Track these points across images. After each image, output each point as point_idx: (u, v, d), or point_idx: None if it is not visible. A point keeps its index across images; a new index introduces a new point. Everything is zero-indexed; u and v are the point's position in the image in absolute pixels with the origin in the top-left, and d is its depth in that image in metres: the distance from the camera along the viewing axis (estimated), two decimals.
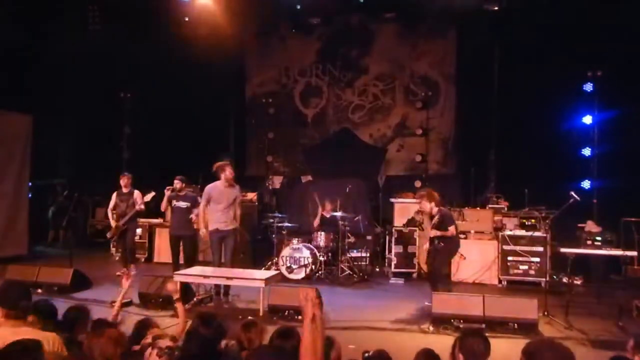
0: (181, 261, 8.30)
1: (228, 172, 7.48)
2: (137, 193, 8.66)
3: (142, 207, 8.60)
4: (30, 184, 10.98)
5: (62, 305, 3.86)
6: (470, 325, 5.71)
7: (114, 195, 8.80)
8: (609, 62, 9.41)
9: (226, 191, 7.45)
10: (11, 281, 3.30)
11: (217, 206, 7.40)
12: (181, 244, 8.18)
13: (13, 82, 10.28)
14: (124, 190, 8.72)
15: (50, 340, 2.90)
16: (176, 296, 4.56)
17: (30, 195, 11.00)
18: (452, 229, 6.88)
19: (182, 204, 8.10)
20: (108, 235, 8.91)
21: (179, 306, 4.43)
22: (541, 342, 2.69)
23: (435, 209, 7.03)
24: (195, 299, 6.81)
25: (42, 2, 10.72)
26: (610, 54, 9.25)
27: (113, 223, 8.63)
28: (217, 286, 7.22)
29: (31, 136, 10.66)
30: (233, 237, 7.48)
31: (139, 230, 10.47)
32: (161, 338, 3.05)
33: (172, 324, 4.99)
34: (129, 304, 6.66)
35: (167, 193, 8.14)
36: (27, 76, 10.71)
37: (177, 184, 8.17)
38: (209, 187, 7.53)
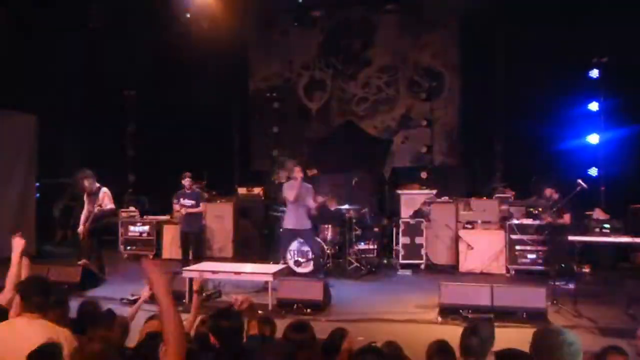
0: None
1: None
2: (103, 192, 8.06)
3: (109, 207, 8.10)
4: (37, 183, 11.03)
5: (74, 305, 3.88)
6: (478, 316, 5.70)
7: (85, 197, 8.26)
8: (615, 48, 9.33)
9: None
10: (35, 276, 3.33)
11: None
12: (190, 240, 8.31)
13: (16, 82, 10.30)
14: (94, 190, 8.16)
15: (63, 336, 2.92)
16: (196, 288, 4.55)
17: (37, 195, 11.05)
18: (567, 216, 7.48)
19: (187, 202, 8.28)
20: (80, 238, 8.19)
21: (195, 300, 4.42)
22: (549, 330, 2.69)
23: (555, 196, 7.69)
24: (203, 295, 6.82)
25: (43, 1, 10.72)
26: (615, 40, 9.17)
27: (81, 227, 8.10)
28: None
29: (36, 136, 10.70)
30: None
31: (145, 228, 10.53)
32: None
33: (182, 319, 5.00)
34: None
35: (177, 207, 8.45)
36: (31, 76, 10.72)
37: (187, 182, 8.34)
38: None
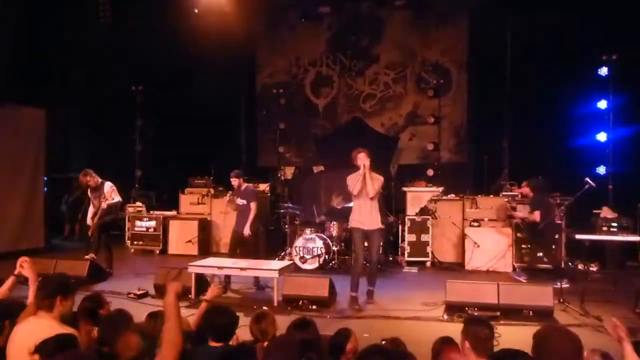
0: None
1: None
2: (106, 186, 8.03)
3: (116, 200, 8.06)
4: (45, 177, 11.10)
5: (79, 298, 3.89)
6: (484, 313, 5.68)
7: (89, 193, 8.23)
8: (625, 46, 9.25)
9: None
10: (50, 277, 3.37)
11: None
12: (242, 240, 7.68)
13: (26, 76, 10.37)
14: (93, 186, 8.13)
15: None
16: (209, 298, 4.54)
17: (45, 189, 11.12)
18: (536, 214, 7.61)
19: (241, 201, 7.66)
20: (90, 233, 8.17)
21: (204, 307, 4.40)
22: (551, 329, 2.70)
23: (530, 194, 7.86)
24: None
25: None
26: (625, 37, 9.09)
27: (89, 220, 8.13)
28: (255, 278, 7.25)
29: (45, 130, 10.76)
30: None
31: (151, 223, 10.57)
32: None
33: (187, 315, 5.02)
34: (145, 295, 6.74)
35: (228, 198, 7.76)
36: (40, 70, 10.79)
37: (235, 181, 7.65)
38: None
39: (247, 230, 7.46)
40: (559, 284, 7.02)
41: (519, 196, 9.42)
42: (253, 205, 7.54)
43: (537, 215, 7.70)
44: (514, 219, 8.68)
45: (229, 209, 7.97)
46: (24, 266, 3.65)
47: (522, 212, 8.18)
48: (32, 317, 3.09)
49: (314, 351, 2.91)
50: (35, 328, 2.92)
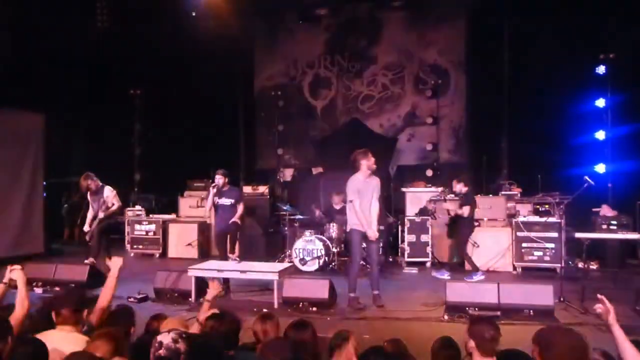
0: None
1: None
2: (107, 190, 8.04)
3: (116, 205, 8.07)
4: (44, 182, 11.08)
5: None
6: (484, 313, 5.67)
7: (89, 197, 8.21)
8: (622, 44, 9.27)
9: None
10: (68, 289, 3.33)
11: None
12: (228, 238, 7.64)
13: (24, 81, 10.35)
14: (93, 189, 8.13)
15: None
16: (210, 297, 4.49)
17: (45, 194, 11.11)
18: (465, 209, 7.76)
19: (226, 201, 7.53)
20: (87, 238, 8.21)
21: (205, 307, 4.36)
22: (553, 330, 2.68)
23: (464, 189, 7.98)
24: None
25: (50, 0, 10.77)
26: (623, 36, 9.11)
27: (87, 227, 8.13)
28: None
29: (44, 135, 10.75)
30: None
31: (151, 227, 10.56)
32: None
33: (188, 318, 5.02)
34: (145, 299, 6.73)
35: (213, 191, 7.51)
36: (38, 75, 10.77)
37: (220, 179, 7.51)
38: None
39: (237, 218, 7.51)
40: (443, 275, 7.82)
41: (518, 195, 9.43)
42: (241, 206, 7.62)
43: (465, 210, 7.84)
44: (447, 214, 8.67)
45: (210, 207, 7.77)
46: (14, 270, 3.61)
47: (450, 205, 8.29)
48: (55, 331, 3.03)
49: (311, 352, 2.91)
50: (66, 342, 2.86)
